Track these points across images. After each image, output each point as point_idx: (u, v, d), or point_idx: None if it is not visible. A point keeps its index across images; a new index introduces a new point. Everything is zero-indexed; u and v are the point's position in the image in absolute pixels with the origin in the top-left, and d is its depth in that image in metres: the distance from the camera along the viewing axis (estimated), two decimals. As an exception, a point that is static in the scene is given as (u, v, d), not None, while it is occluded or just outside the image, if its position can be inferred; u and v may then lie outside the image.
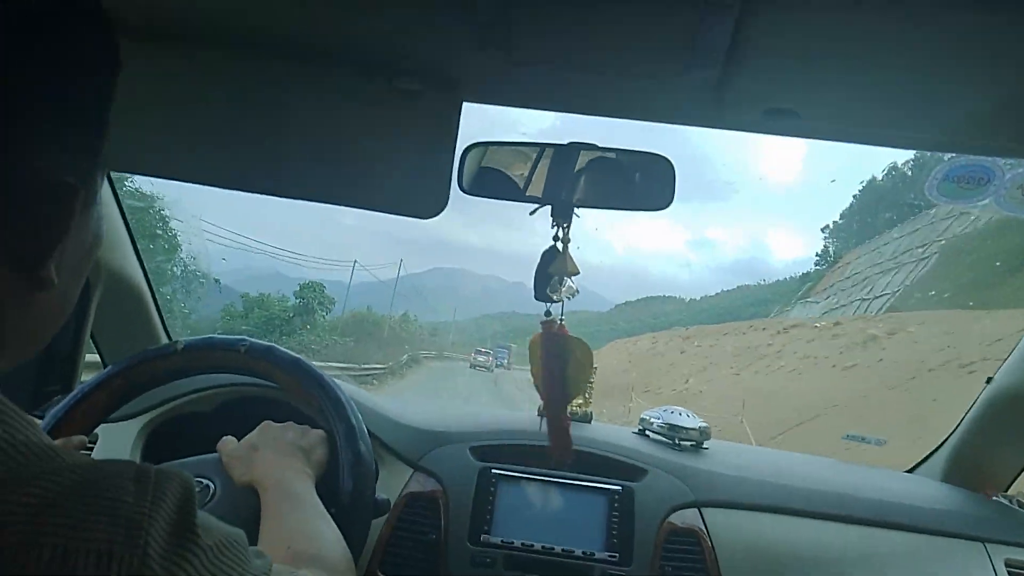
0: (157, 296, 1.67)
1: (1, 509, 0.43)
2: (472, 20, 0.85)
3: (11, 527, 0.43)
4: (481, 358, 45.18)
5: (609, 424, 1.74)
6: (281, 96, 1.00)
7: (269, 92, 1.00)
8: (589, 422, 1.67)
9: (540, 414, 1.62)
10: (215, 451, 1.19)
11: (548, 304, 1.24)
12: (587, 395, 1.70)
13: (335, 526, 0.99)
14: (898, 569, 1.37)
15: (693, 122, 1.04)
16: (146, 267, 1.61)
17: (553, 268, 1.21)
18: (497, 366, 45.96)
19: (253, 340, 1.26)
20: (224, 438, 1.15)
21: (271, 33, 0.93)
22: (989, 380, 1.65)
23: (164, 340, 1.70)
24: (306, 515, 0.98)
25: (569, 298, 1.24)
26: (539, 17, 0.81)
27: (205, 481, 1.12)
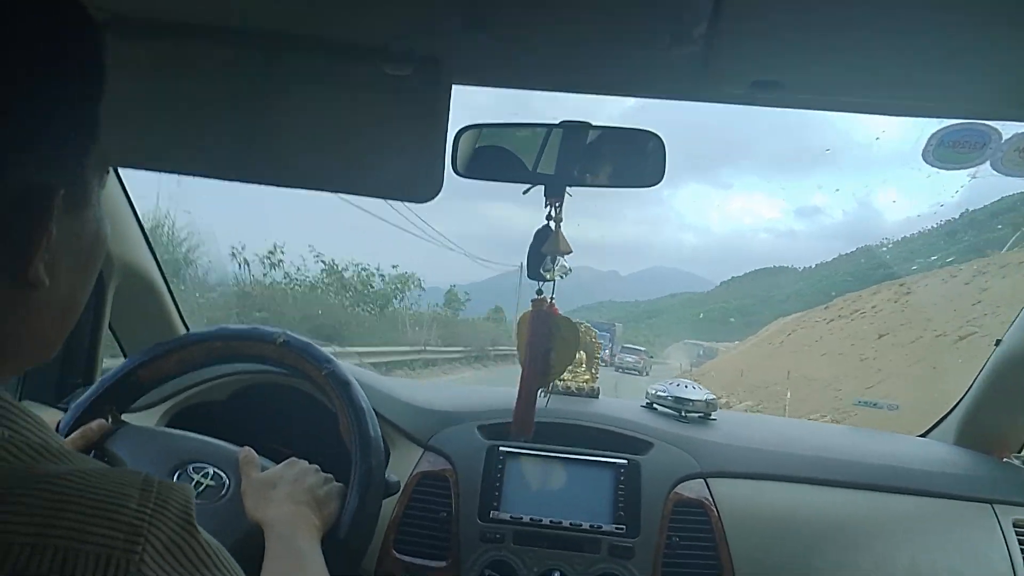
0: (172, 287, 1.71)
1: (8, 511, 0.45)
2: (457, 1, 0.86)
3: (17, 529, 0.44)
4: (630, 358, 31.71)
5: (617, 399, 1.76)
6: (273, 85, 1.01)
7: (261, 81, 1.01)
8: (596, 397, 1.69)
9: (547, 392, 1.64)
10: (228, 441, 1.23)
11: (540, 283, 1.26)
12: (594, 371, 1.73)
13: None
14: (905, 532, 1.38)
15: (681, 96, 1.05)
16: (159, 259, 1.65)
17: (546, 247, 1.22)
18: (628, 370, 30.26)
19: (290, 334, 1.28)
20: (246, 450, 1.17)
21: (262, 22, 0.95)
22: (998, 343, 1.64)
23: (181, 329, 1.74)
24: (301, 567, 0.99)
25: (562, 277, 1.26)
26: None
27: (223, 476, 1.15)
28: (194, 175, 1.15)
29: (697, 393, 1.63)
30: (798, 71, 0.96)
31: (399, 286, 25.59)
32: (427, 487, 1.41)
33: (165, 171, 1.12)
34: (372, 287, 24.17)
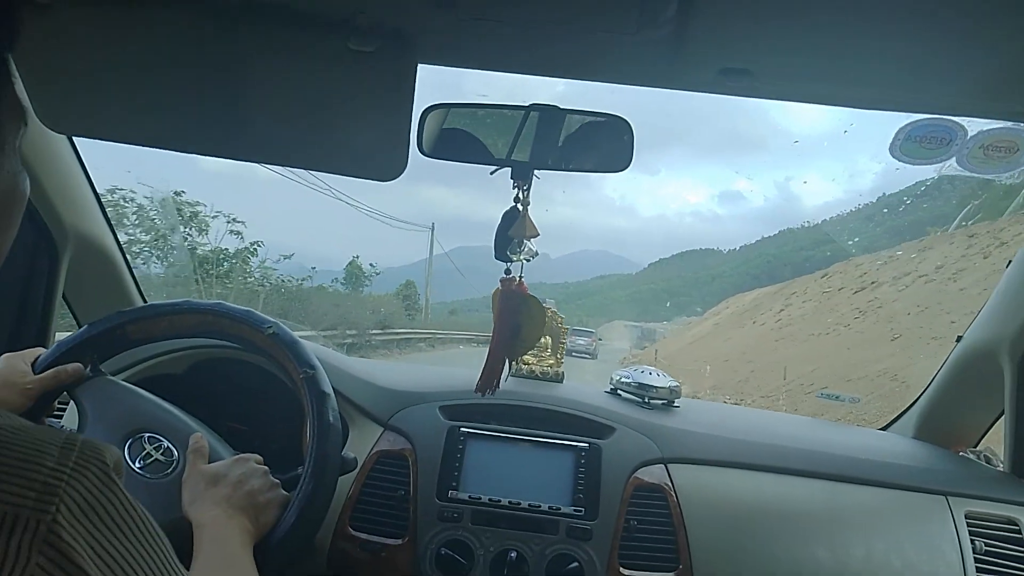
0: (128, 257, 1.68)
1: None
2: None
3: None
4: (582, 341, 29.58)
5: (581, 384, 1.76)
6: (238, 58, 0.99)
7: (225, 54, 0.98)
8: (561, 382, 1.69)
9: (510, 375, 1.64)
10: (188, 413, 1.22)
11: (508, 263, 1.26)
12: (559, 355, 1.72)
13: None
14: (862, 523, 1.40)
15: (649, 82, 1.04)
16: (115, 230, 1.61)
17: (513, 230, 1.22)
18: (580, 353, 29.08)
19: (280, 326, 1.29)
20: (197, 438, 1.15)
21: None
22: (959, 339, 1.66)
23: (139, 300, 1.71)
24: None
25: (528, 260, 1.26)
26: None
27: (174, 452, 1.14)
28: (154, 147, 1.13)
29: (661, 380, 1.63)
30: (768, 59, 0.95)
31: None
32: (385, 466, 1.41)
33: (123, 142, 1.09)
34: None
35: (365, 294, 28.73)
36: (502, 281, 1.29)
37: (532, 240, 1.25)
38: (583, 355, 29.13)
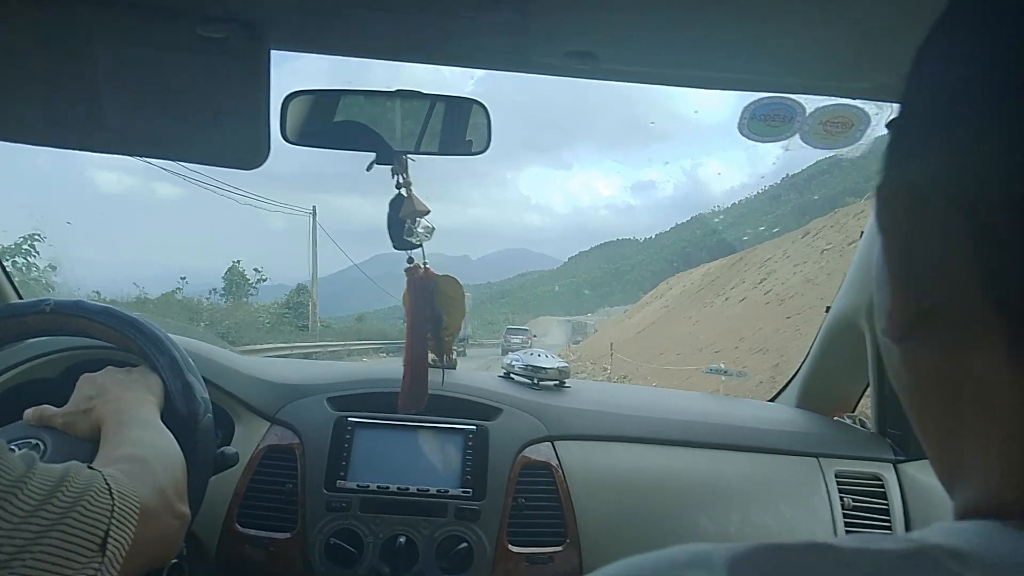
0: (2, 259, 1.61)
1: None
2: None
3: None
4: (517, 339, 31.54)
5: (475, 371, 1.78)
6: (89, 49, 0.98)
7: (76, 44, 0.96)
8: (454, 368, 1.71)
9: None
10: None
11: (409, 251, 1.27)
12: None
13: (172, 438, 1.00)
14: (738, 488, 1.46)
15: (499, 66, 1.07)
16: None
17: (403, 212, 1.23)
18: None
19: (58, 299, 1.22)
20: (26, 414, 1.10)
21: None
22: (828, 309, 1.75)
23: (13, 297, 1.63)
24: (138, 429, 0.98)
25: (428, 238, 1.27)
26: None
27: (35, 440, 1.10)
28: (8, 141, 1.09)
29: (550, 361, 1.67)
30: (612, 42, 0.99)
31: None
32: (272, 460, 1.41)
33: None
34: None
35: (250, 304, 26.03)
36: (407, 272, 1.30)
37: (425, 218, 1.27)
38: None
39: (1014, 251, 0.32)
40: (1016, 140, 0.31)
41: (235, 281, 26.51)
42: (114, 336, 1.20)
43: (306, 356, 17.81)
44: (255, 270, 28.19)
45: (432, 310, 1.34)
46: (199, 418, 1.13)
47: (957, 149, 0.34)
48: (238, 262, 27.58)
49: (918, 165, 0.37)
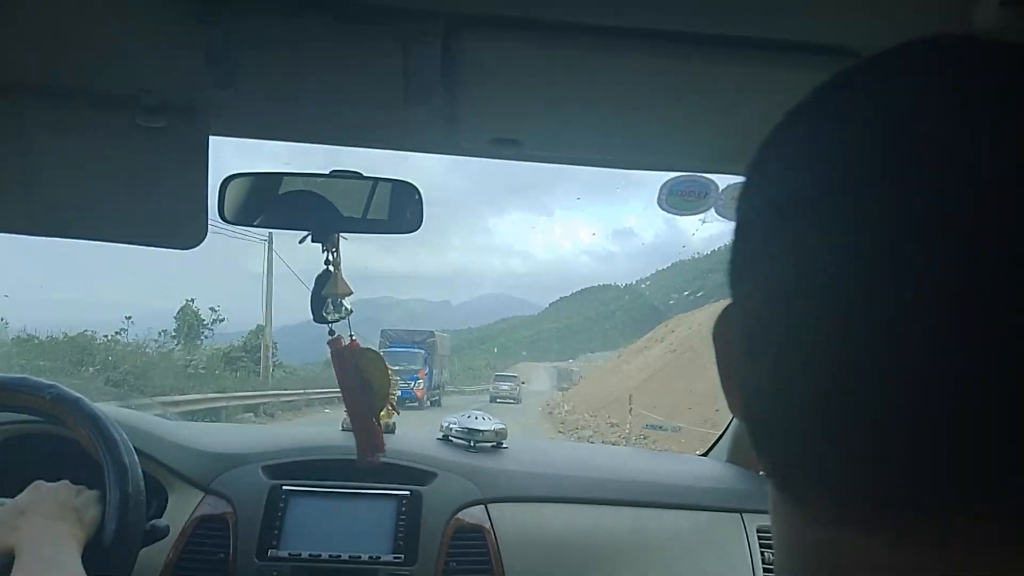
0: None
1: None
2: (198, 57, 0.89)
3: None
4: (505, 386, 31.31)
5: (413, 433, 1.80)
6: (29, 134, 1.00)
7: (16, 129, 0.99)
8: (392, 432, 1.73)
9: (344, 428, 1.67)
10: None
11: (329, 324, 1.31)
12: (390, 407, 1.76)
13: None
14: (663, 544, 1.49)
15: (426, 149, 1.13)
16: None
17: (326, 290, 1.27)
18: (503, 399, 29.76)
19: (62, 388, 1.25)
20: None
21: (14, 71, 0.94)
22: None
23: None
24: (46, 573, 0.97)
25: (344, 317, 1.32)
26: (258, 50, 0.86)
27: None
28: None
29: (486, 424, 1.69)
30: (534, 130, 1.06)
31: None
32: (205, 530, 1.40)
33: None
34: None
35: (203, 347, 23.77)
36: (330, 344, 1.33)
37: (346, 299, 1.31)
38: (507, 400, 29.05)
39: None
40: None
41: (188, 322, 24.83)
42: (80, 433, 1.21)
43: (250, 409, 17.09)
44: (211, 309, 26.38)
45: (361, 378, 1.37)
46: (129, 530, 1.14)
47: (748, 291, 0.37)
48: (192, 301, 25.89)
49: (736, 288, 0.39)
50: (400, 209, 1.24)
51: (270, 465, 1.50)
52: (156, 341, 21.57)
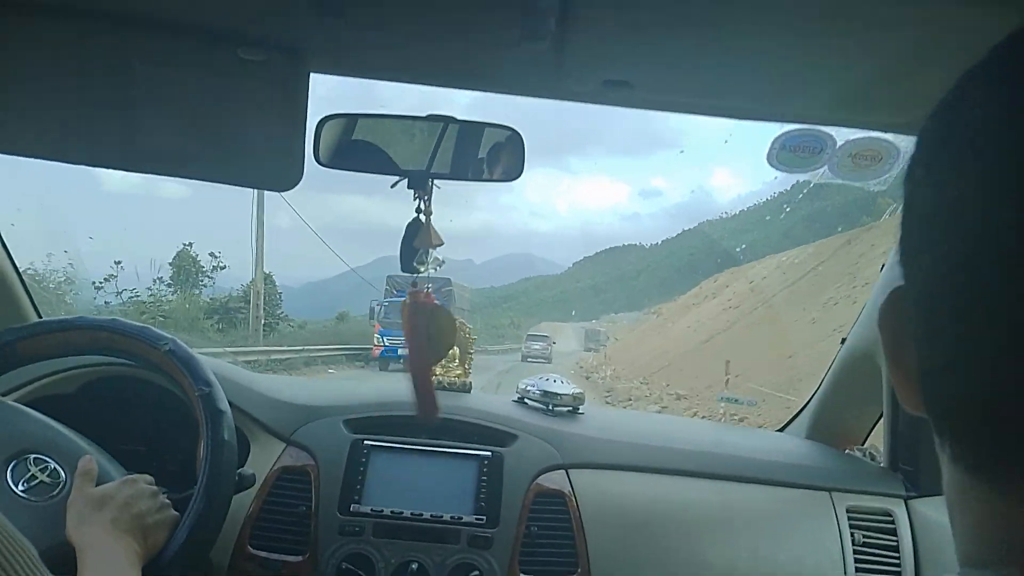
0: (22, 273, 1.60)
1: None
2: None
3: None
4: (537, 346, 31.63)
5: (488, 394, 1.78)
6: (127, 69, 0.98)
7: (114, 64, 0.97)
8: (468, 392, 1.71)
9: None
10: (80, 434, 1.18)
11: (415, 275, 1.27)
12: (467, 365, 1.74)
13: None
14: (749, 521, 1.45)
15: (534, 92, 1.08)
16: (7, 244, 1.55)
17: (418, 241, 1.23)
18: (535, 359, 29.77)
19: (178, 343, 1.28)
20: (86, 460, 1.11)
21: (120, 3, 0.91)
22: (843, 341, 1.75)
23: (33, 316, 1.64)
24: None
25: (436, 269, 1.27)
26: None
27: (62, 473, 1.10)
28: (44, 158, 1.11)
29: (564, 387, 1.66)
30: (647, 72, 1.00)
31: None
32: (287, 482, 1.40)
33: (12, 154, 1.06)
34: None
35: (202, 296, 22.07)
36: (410, 294, 1.30)
37: (437, 249, 1.27)
38: (538, 360, 29.41)
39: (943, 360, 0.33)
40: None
41: (184, 268, 22.55)
42: (195, 404, 1.22)
43: (233, 363, 16.11)
44: (211, 255, 23.89)
45: (427, 335, 1.34)
46: (223, 439, 1.15)
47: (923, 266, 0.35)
48: (189, 245, 23.57)
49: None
50: (501, 155, 1.19)
51: (351, 419, 1.49)
52: (149, 290, 20.08)
